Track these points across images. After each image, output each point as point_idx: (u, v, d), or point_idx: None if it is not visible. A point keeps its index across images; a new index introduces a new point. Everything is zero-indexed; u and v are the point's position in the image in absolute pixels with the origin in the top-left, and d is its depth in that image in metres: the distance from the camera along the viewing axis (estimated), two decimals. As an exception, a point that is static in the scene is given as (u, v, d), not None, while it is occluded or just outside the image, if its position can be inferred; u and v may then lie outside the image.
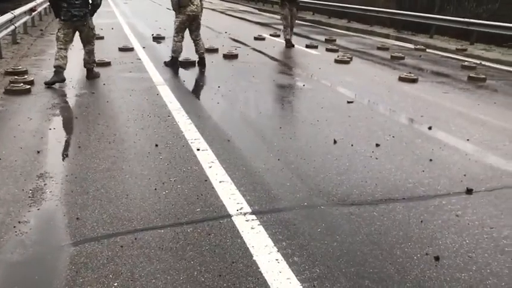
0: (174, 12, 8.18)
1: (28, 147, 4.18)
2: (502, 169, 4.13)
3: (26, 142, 4.32)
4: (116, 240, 2.77)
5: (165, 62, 8.33)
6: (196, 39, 8.29)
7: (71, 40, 6.83)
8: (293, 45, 11.16)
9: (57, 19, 6.74)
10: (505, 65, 10.20)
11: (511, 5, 13.95)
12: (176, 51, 8.21)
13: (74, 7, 6.52)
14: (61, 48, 6.62)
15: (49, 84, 6.49)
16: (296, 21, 11.88)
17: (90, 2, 6.73)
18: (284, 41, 11.29)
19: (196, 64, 8.43)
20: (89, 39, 7.00)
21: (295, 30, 11.95)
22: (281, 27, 11.81)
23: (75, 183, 3.50)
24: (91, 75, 7.12)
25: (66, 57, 6.64)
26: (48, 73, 7.27)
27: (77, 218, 2.99)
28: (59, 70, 6.55)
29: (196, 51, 8.36)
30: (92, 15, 6.91)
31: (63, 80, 6.57)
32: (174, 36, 8.16)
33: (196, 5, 7.93)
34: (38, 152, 4.08)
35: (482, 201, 3.48)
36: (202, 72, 8.01)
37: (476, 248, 2.83)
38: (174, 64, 8.23)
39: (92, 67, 7.17)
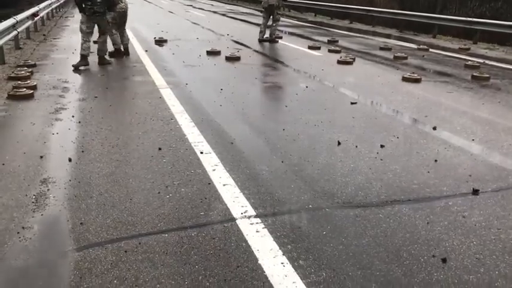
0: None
1: (31, 152, 4.17)
2: (508, 169, 4.09)
3: (29, 147, 4.31)
4: (120, 245, 2.75)
5: (109, 52, 9.03)
6: (122, 32, 9.38)
7: (92, 32, 8.32)
8: (276, 41, 12.18)
9: (81, 13, 8.17)
10: (509, 63, 10.16)
11: (514, 4, 13.91)
12: (118, 43, 9.23)
13: (96, 4, 8.00)
14: (86, 41, 8.11)
15: (76, 67, 7.97)
16: (277, 22, 12.35)
17: None
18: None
19: (122, 51, 9.35)
20: (105, 31, 8.51)
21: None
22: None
23: (79, 187, 3.49)
24: (103, 61, 8.44)
25: (89, 47, 8.20)
26: (51, 78, 7.30)
27: (80, 223, 2.98)
28: (85, 57, 8.13)
29: (122, 42, 9.42)
30: (110, 10, 8.51)
31: (87, 64, 8.18)
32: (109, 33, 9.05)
33: (125, 3, 9.24)
34: (41, 157, 4.07)
35: (488, 202, 3.44)
36: (205, 75, 8.00)
37: (484, 249, 2.80)
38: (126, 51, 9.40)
39: (103, 54, 8.50)
